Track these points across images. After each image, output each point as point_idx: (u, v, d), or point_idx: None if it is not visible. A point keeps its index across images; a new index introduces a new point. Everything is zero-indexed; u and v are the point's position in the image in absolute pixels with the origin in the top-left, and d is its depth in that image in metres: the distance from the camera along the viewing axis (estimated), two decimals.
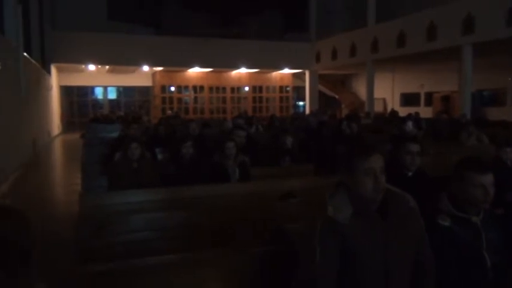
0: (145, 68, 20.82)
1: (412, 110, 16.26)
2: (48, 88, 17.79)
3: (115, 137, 7.74)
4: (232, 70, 22.94)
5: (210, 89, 23.50)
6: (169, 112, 20.82)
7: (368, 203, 1.87)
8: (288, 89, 25.12)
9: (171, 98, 22.84)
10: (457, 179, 2.17)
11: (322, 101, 24.76)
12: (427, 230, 1.98)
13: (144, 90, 24.07)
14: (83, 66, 20.00)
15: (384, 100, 24.60)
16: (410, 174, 3.36)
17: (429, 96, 22.08)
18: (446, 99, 20.57)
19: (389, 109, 21.70)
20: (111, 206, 3.62)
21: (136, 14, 20.18)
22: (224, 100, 23.97)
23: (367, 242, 1.82)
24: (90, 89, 23.67)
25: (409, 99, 23.44)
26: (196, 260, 2.68)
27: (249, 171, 4.75)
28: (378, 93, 20.73)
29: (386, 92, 24.11)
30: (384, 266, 1.83)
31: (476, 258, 2.09)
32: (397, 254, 1.85)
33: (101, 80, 22.78)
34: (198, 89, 23.34)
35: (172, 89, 22.93)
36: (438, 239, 2.04)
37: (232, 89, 24.05)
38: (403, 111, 17.11)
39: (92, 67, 20.17)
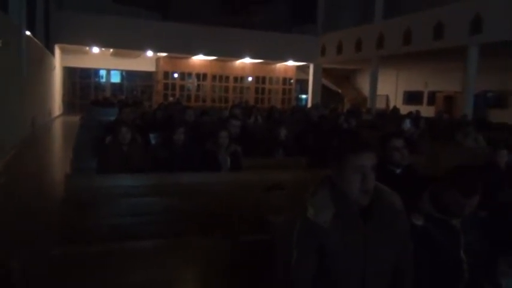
0: (150, 53, 20.72)
1: (414, 108, 16.16)
2: (51, 68, 17.75)
3: (112, 120, 7.72)
4: (236, 59, 22.83)
5: (213, 77, 23.41)
6: (171, 99, 20.77)
7: (352, 203, 1.78)
8: (291, 81, 25.02)
9: (173, 85, 22.77)
10: None
11: (325, 95, 24.65)
12: None
13: (147, 76, 23.99)
14: (87, 48, 19.90)
15: (387, 97, 24.48)
16: (398, 171, 3.32)
17: (432, 95, 21.95)
18: (449, 99, 20.45)
19: (391, 106, 21.64)
20: (98, 188, 3.61)
21: None
22: (227, 89, 23.89)
23: (345, 245, 1.75)
24: (93, 72, 23.59)
25: (412, 97, 23.31)
26: (179, 245, 2.68)
27: (240, 161, 4.73)
28: (381, 90, 20.63)
29: (389, 89, 23.99)
30: (362, 270, 1.78)
31: (453, 260, 2.07)
32: (375, 260, 1.78)
33: (104, 63, 22.70)
34: (201, 76, 23.26)
35: (176, 75, 22.85)
36: (413, 237, 2.01)
37: (236, 79, 23.96)
38: (405, 109, 17.03)
39: (96, 49, 20.06)
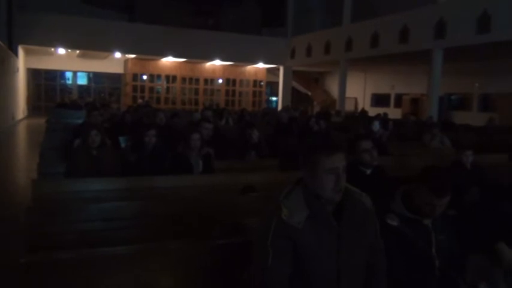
0: (118, 54, 20.38)
1: (382, 110, 16.53)
2: (14, 70, 17.18)
3: (79, 123, 7.54)
4: (206, 62, 22.73)
5: (183, 79, 23.23)
6: (140, 101, 20.48)
7: (324, 203, 1.82)
8: (261, 83, 25.11)
9: (142, 87, 22.46)
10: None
11: (294, 97, 24.87)
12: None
13: (115, 77, 23.57)
14: (52, 49, 19.38)
15: (356, 99, 24.91)
16: (368, 172, 3.39)
17: (399, 98, 22.48)
18: (415, 101, 20.98)
19: (360, 108, 22.03)
20: (67, 193, 3.51)
21: None
22: (197, 91, 23.74)
23: (319, 245, 1.78)
24: (59, 73, 23.00)
25: (379, 99, 23.81)
26: (153, 250, 2.62)
27: (213, 163, 4.70)
28: (350, 93, 20.97)
29: (358, 91, 24.43)
30: (336, 270, 1.81)
31: (425, 258, 2.12)
32: (349, 258, 1.82)
33: (70, 64, 22.17)
34: (170, 78, 23.04)
35: (145, 77, 22.55)
36: (387, 238, 2.05)
37: (206, 81, 23.85)
38: (373, 111, 17.36)
39: (61, 51, 19.57)
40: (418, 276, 2.11)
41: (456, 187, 2.15)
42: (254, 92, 24.92)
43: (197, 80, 23.60)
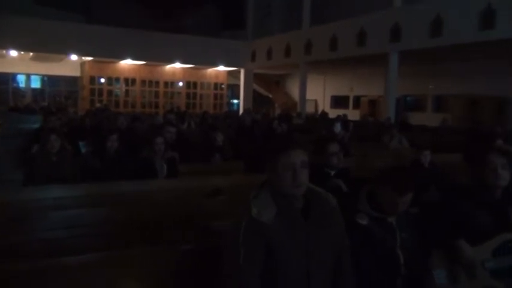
0: (74, 57, 19.74)
1: (341, 112, 16.88)
2: None
3: (35, 128, 7.26)
4: (166, 64, 22.44)
5: (143, 82, 22.81)
6: (98, 105, 19.97)
7: (291, 201, 1.89)
8: (222, 86, 25.04)
9: (100, 90, 21.87)
10: None
11: (256, 99, 24.97)
12: (346, 229, 2.04)
13: (71, 81, 22.82)
14: (4, 51, 18.55)
15: (316, 101, 25.30)
16: (333, 173, 3.45)
17: (357, 100, 23.00)
18: (373, 103, 21.55)
19: (320, 110, 22.41)
20: (26, 201, 3.36)
21: (66, 0, 19.15)
22: (157, 94, 23.37)
23: (289, 242, 1.83)
24: (11, 77, 22.02)
25: (338, 101, 24.28)
26: (118, 258, 2.56)
27: (177, 167, 4.67)
28: (310, 95, 21.27)
29: (318, 93, 24.81)
30: (306, 267, 1.85)
31: (391, 255, 2.18)
32: (318, 254, 1.88)
33: (23, 67, 21.26)
34: (129, 81, 22.56)
35: (102, 80, 21.97)
36: (357, 237, 2.11)
37: (166, 84, 23.51)
38: (333, 113, 17.72)
39: (13, 53, 18.76)
40: (384, 273, 2.18)
41: (416, 186, 2.23)
42: (215, 95, 24.82)
43: (157, 83, 23.24)
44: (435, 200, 2.84)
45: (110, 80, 22.11)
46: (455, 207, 2.45)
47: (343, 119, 11.62)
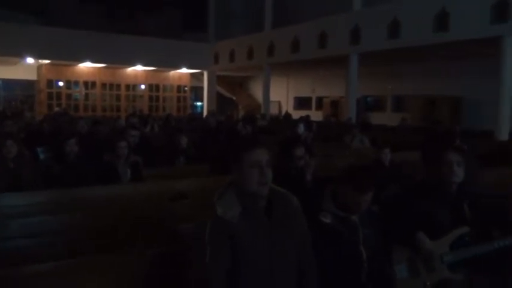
0: (30, 60, 19.04)
1: (304, 113, 17.09)
2: None
3: None
4: (127, 67, 22.02)
5: (103, 85, 22.28)
6: (56, 109, 19.36)
7: (255, 199, 1.92)
8: (185, 88, 24.82)
9: (58, 94, 21.19)
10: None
11: (220, 102, 24.90)
12: (310, 227, 2.09)
13: (28, 84, 21.97)
14: None
15: (279, 103, 25.49)
16: (295, 172, 3.50)
17: (320, 101, 23.35)
18: (335, 103, 21.93)
19: (283, 112, 22.60)
20: None
21: (20, 1, 18.42)
22: (118, 98, 22.88)
23: (254, 240, 1.87)
24: None
25: (301, 102, 24.57)
26: (82, 265, 2.50)
27: (141, 171, 4.60)
28: (274, 96, 21.41)
29: (281, 95, 25.01)
30: (270, 264, 1.89)
31: (354, 252, 2.25)
32: (282, 252, 1.92)
33: None
34: (89, 85, 21.98)
35: (61, 84, 21.31)
36: (320, 235, 2.16)
37: (128, 87, 23.06)
38: (296, 114, 17.92)
39: None
40: (348, 270, 2.24)
41: (377, 184, 2.31)
42: (178, 98, 24.56)
43: (118, 86, 22.75)
44: (396, 198, 2.93)
45: (68, 83, 21.48)
46: (414, 207, 2.53)
47: (306, 120, 11.76)
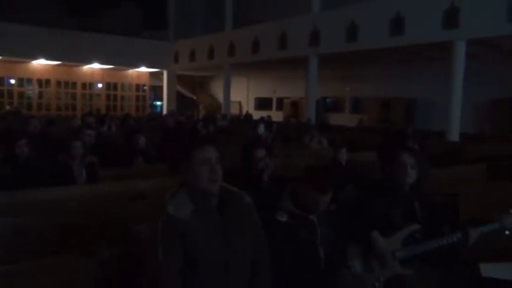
0: None
1: (265, 113, 17.25)
2: None
3: None
4: (83, 65, 21.39)
5: (58, 83, 21.55)
6: (8, 107, 18.58)
7: (207, 197, 1.94)
8: (145, 88, 24.39)
9: (10, 92, 20.34)
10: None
11: (180, 101, 24.65)
12: (266, 226, 2.11)
13: None
14: None
15: (240, 103, 25.53)
16: (256, 173, 3.53)
17: (280, 101, 23.57)
18: (295, 104, 22.19)
19: (244, 112, 22.66)
20: None
21: None
22: (74, 96, 22.21)
23: (207, 238, 1.88)
24: None
25: (262, 103, 24.71)
26: (35, 269, 2.41)
27: (97, 172, 4.50)
28: (234, 97, 21.44)
29: (242, 95, 25.06)
30: (224, 261, 1.90)
31: (312, 251, 2.30)
32: (235, 249, 1.94)
33: None
34: (43, 83, 21.21)
35: (12, 81, 20.46)
36: (276, 234, 2.20)
37: (84, 85, 22.40)
38: (256, 115, 18.00)
39: None
40: (305, 268, 2.28)
41: (335, 184, 2.37)
42: (137, 97, 24.11)
43: (74, 84, 22.06)
44: (353, 198, 3.01)
45: (20, 81, 20.67)
46: (372, 208, 2.62)
47: (266, 121, 11.87)
